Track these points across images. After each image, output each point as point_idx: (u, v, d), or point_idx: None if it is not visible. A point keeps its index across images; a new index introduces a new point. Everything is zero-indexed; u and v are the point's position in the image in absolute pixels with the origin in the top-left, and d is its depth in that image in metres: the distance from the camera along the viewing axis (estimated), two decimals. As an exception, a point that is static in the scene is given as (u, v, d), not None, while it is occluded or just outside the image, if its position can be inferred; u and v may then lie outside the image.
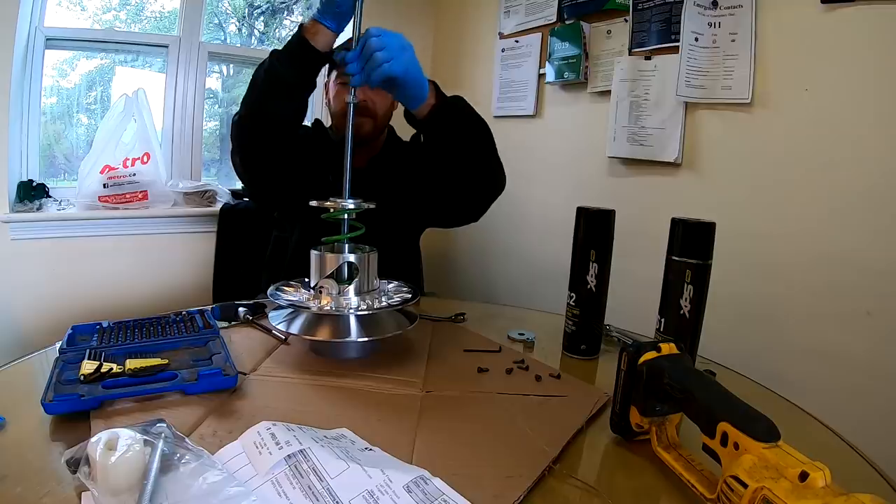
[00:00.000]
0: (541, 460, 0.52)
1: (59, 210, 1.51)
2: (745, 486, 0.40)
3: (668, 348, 0.55)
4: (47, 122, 1.62)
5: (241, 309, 0.90)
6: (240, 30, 1.93)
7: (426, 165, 1.02)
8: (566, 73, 1.49)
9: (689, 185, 1.27)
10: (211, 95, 1.90)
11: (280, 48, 0.91)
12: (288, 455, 0.46)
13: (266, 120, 0.94)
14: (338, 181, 1.04)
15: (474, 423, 0.60)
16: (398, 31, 0.84)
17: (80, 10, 1.61)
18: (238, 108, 0.98)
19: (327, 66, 1.18)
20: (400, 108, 1.24)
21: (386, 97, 1.17)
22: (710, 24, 1.17)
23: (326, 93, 1.22)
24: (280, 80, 0.90)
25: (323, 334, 0.73)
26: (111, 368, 0.62)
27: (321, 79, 1.42)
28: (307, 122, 1.24)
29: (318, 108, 2.01)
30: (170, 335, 0.76)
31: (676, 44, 1.22)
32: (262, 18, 1.98)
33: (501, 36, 1.73)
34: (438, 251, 1.99)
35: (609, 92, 1.39)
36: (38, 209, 1.49)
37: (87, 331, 0.76)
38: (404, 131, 1.30)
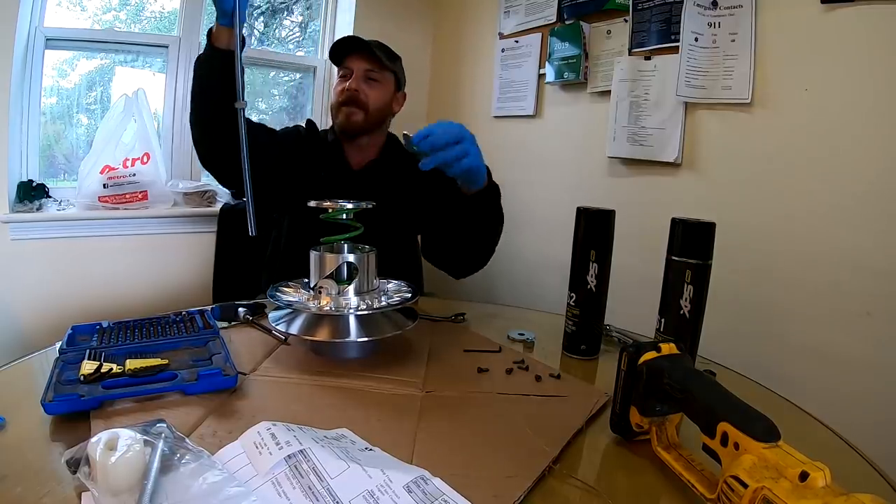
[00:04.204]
0: (541, 460, 0.52)
1: (59, 210, 1.51)
2: (745, 486, 0.40)
3: (668, 348, 0.55)
4: (47, 122, 1.61)
5: (241, 309, 0.90)
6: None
7: (444, 222, 1.04)
8: (566, 73, 1.49)
9: (689, 185, 1.27)
10: (211, 95, 1.90)
11: (202, 52, 1.00)
12: (288, 455, 0.46)
13: (210, 117, 1.01)
14: (330, 178, 1.03)
15: (474, 423, 0.60)
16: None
17: (79, 10, 1.60)
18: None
19: (335, 67, 1.21)
20: (403, 111, 1.25)
21: (382, 92, 1.18)
22: (710, 24, 1.17)
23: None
24: (206, 84, 0.99)
25: (323, 334, 0.73)
26: (111, 368, 0.62)
27: (326, 80, 1.42)
28: (300, 123, 1.25)
29: (309, 111, 2.01)
30: (170, 335, 0.76)
31: (676, 44, 1.22)
32: (261, 18, 1.97)
33: (501, 36, 1.73)
34: (438, 251, 1.98)
35: (609, 92, 1.39)
36: (38, 209, 1.48)
37: (87, 331, 0.76)
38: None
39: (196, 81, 1.00)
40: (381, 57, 1.15)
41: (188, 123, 1.05)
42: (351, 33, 1.84)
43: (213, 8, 0.90)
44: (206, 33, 0.98)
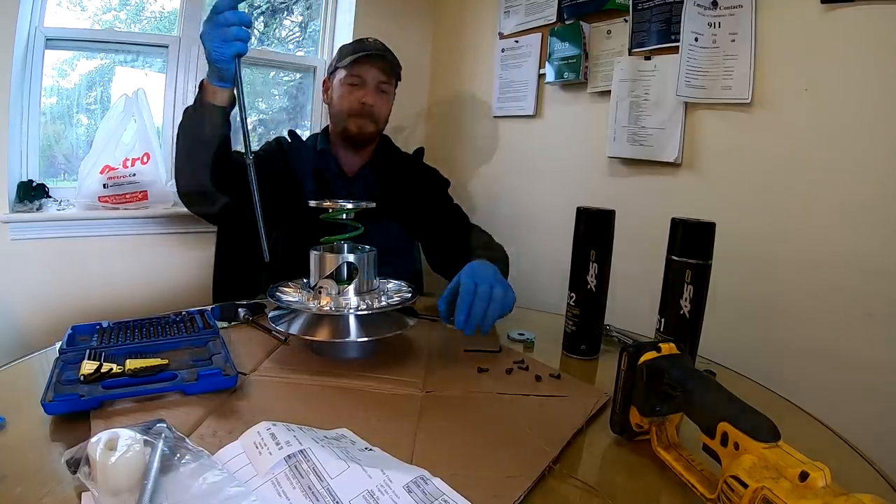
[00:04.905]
0: (541, 460, 0.52)
1: (59, 210, 1.51)
2: (745, 486, 0.40)
3: (668, 348, 0.55)
4: (47, 122, 1.61)
5: (241, 309, 0.90)
6: (240, 30, 1.93)
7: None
8: (566, 73, 1.49)
9: (689, 185, 1.27)
10: (211, 95, 1.89)
11: (191, 106, 0.96)
12: (288, 455, 0.46)
13: (200, 172, 0.99)
14: (326, 186, 1.01)
15: (474, 423, 0.60)
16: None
17: (80, 10, 1.60)
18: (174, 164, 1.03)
19: (334, 63, 1.19)
20: (396, 113, 1.26)
21: (389, 102, 1.19)
22: (710, 24, 1.17)
23: (326, 91, 1.23)
24: (201, 139, 0.96)
25: (323, 334, 0.73)
26: (111, 368, 0.62)
27: (321, 74, 1.41)
28: (284, 134, 1.25)
29: (309, 111, 2.01)
30: (170, 335, 0.76)
31: (676, 44, 1.22)
32: (261, 18, 1.97)
33: (501, 36, 1.73)
34: (438, 251, 1.98)
35: (609, 92, 1.39)
36: (38, 209, 1.48)
37: (87, 331, 0.76)
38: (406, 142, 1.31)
39: (188, 136, 0.97)
40: (395, 69, 1.16)
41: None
42: (351, 33, 1.83)
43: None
44: (196, 85, 0.96)
